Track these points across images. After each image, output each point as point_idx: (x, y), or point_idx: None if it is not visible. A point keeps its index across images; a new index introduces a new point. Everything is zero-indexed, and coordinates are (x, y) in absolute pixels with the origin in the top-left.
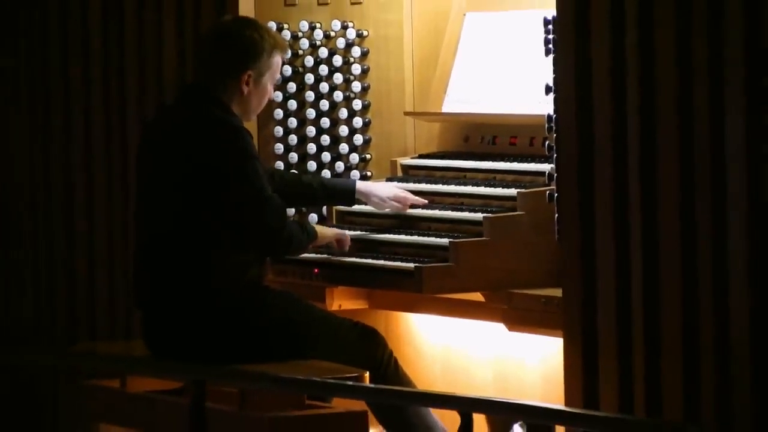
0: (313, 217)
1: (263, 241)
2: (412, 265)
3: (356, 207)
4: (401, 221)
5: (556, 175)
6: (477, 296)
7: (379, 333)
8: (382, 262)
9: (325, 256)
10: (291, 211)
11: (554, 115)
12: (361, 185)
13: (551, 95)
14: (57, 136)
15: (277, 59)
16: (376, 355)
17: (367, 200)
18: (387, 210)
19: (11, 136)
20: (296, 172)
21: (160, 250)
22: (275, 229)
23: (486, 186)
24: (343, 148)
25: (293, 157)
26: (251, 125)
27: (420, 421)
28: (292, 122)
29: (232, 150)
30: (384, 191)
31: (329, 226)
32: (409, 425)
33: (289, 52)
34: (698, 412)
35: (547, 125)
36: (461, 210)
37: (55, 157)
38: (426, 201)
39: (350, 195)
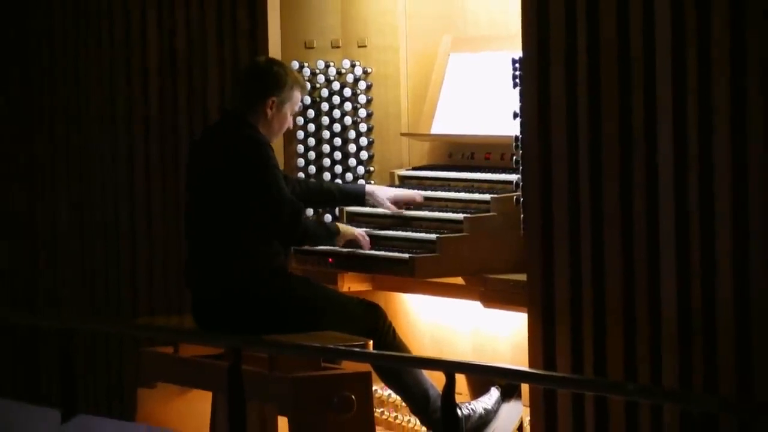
0: (327, 217)
1: (282, 234)
2: (406, 255)
3: (362, 209)
4: (398, 220)
5: (521, 183)
6: (458, 280)
7: (381, 307)
8: (382, 253)
9: (337, 248)
10: (310, 212)
11: (520, 136)
12: (369, 188)
13: (518, 120)
14: (122, 149)
15: (297, 93)
16: (378, 325)
17: (374, 199)
18: (390, 211)
19: (87, 150)
20: (314, 180)
21: (205, 243)
22: (291, 224)
23: (466, 192)
24: (352, 162)
25: (312, 169)
26: (279, 143)
27: (413, 379)
28: (311, 141)
29: (255, 161)
30: (387, 192)
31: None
32: (405, 382)
33: (309, 86)
34: (635, 371)
35: (514, 144)
36: (446, 211)
37: (121, 164)
38: (421, 196)
39: (361, 197)
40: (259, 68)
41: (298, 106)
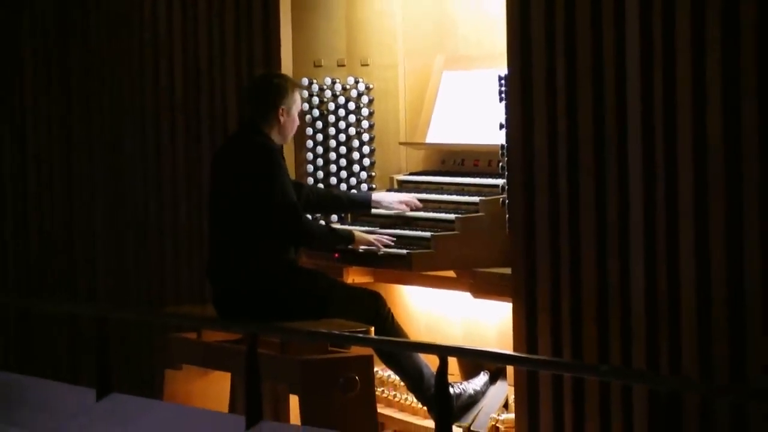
0: (333, 218)
1: (287, 234)
2: (404, 251)
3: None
4: (397, 220)
5: (507, 187)
6: (450, 273)
7: (381, 296)
8: (383, 249)
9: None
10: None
11: (505, 145)
12: (375, 196)
13: (503, 130)
14: (151, 161)
15: (298, 95)
16: (379, 312)
17: (380, 206)
18: (392, 212)
19: (120, 157)
20: (324, 188)
21: (224, 241)
22: (294, 225)
23: (457, 195)
24: (355, 167)
25: (320, 174)
26: (290, 151)
27: (410, 360)
28: (319, 149)
29: (265, 167)
30: (391, 198)
31: (347, 225)
32: (402, 363)
33: (305, 92)
34: (608, 355)
35: (500, 152)
36: (439, 212)
37: (150, 169)
38: (420, 204)
39: (368, 204)
40: (263, 83)
41: (299, 106)
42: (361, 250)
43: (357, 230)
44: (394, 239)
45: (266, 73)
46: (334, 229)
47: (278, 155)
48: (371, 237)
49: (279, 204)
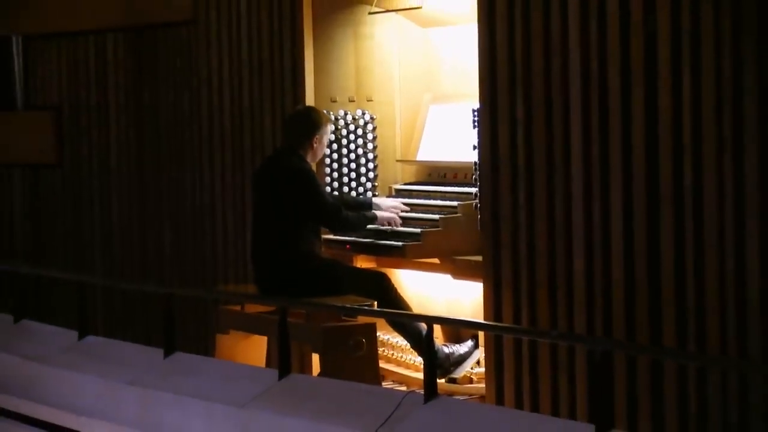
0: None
1: (328, 224)
2: (400, 243)
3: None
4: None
5: (479, 194)
6: (435, 260)
7: (386, 274)
8: (384, 241)
9: (353, 238)
10: None
11: (477, 162)
12: (375, 200)
13: (476, 150)
14: (206, 179)
15: (329, 126)
16: (384, 286)
17: (378, 207)
18: (384, 227)
19: (182, 175)
20: (338, 194)
21: (264, 236)
22: (333, 217)
23: (440, 200)
24: (362, 179)
25: (335, 184)
26: (313, 165)
27: (412, 326)
28: (335, 165)
29: (306, 182)
30: (386, 202)
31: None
32: (405, 326)
33: (333, 126)
34: (556, 323)
35: (473, 167)
36: (427, 213)
37: (205, 188)
38: (408, 208)
39: (369, 205)
40: (302, 115)
41: (330, 135)
42: (385, 225)
43: (380, 213)
44: (408, 212)
45: (308, 107)
46: (364, 215)
47: (314, 172)
48: (389, 215)
49: (324, 207)
